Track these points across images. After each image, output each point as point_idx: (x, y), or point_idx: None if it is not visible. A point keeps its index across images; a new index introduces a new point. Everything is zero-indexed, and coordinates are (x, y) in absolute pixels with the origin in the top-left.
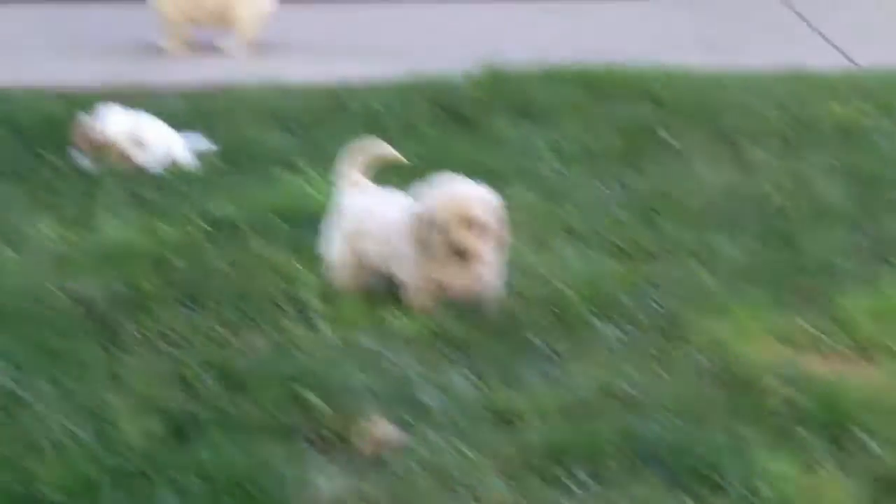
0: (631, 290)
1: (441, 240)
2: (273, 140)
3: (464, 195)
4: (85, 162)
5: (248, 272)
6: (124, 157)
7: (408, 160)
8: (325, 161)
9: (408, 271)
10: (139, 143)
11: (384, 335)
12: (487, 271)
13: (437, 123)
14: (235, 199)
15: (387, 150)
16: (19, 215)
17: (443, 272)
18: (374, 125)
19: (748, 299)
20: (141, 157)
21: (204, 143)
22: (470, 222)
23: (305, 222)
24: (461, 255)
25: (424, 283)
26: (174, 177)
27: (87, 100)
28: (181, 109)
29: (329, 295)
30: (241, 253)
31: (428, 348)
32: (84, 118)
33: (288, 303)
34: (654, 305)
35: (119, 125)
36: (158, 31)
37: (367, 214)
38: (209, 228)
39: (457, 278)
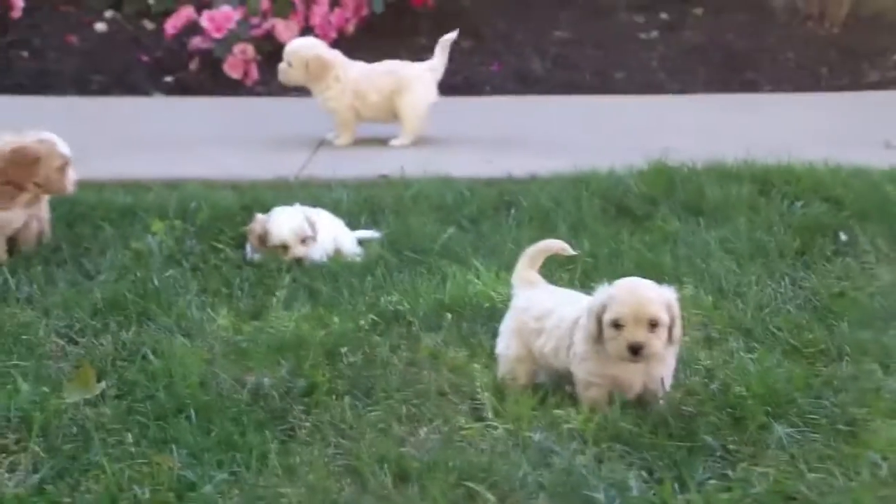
0: (806, 390)
1: (617, 337)
2: (441, 233)
3: (640, 292)
4: (257, 256)
5: (419, 365)
6: (294, 256)
7: (579, 257)
8: (493, 255)
9: (582, 368)
10: (309, 241)
11: (556, 431)
12: (661, 369)
13: (606, 220)
14: (404, 292)
15: (561, 247)
16: (193, 304)
17: (617, 369)
18: (544, 221)
19: None
20: (310, 254)
21: (372, 235)
22: (646, 320)
23: (475, 316)
24: (636, 352)
25: (599, 379)
26: (343, 269)
27: (258, 192)
28: (349, 201)
29: (501, 390)
30: (411, 346)
31: (600, 445)
32: (258, 219)
33: (458, 396)
34: (831, 406)
35: (290, 225)
36: (327, 125)
37: (543, 312)
38: (379, 321)
39: (631, 375)
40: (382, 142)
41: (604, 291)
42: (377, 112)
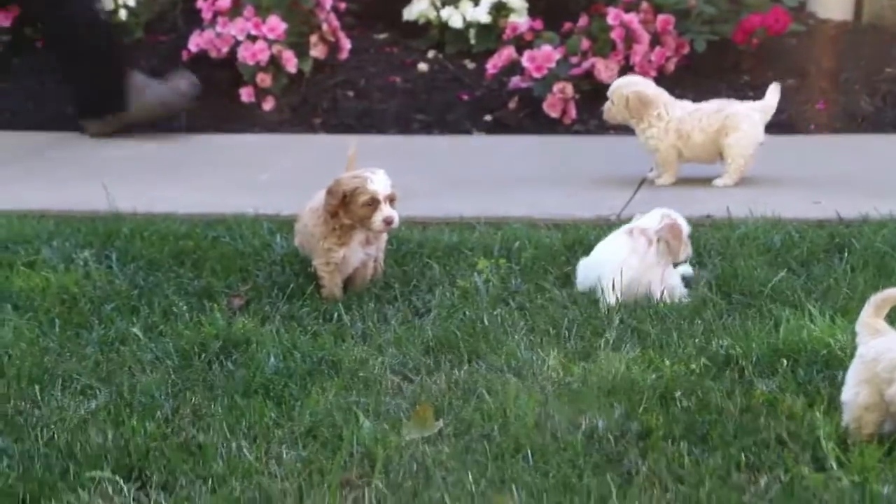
0: None
1: None
2: (770, 276)
3: None
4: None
5: (754, 412)
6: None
7: None
8: (827, 300)
9: None
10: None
11: None
12: None
13: None
14: (735, 336)
15: None
16: (522, 344)
17: None
18: (879, 265)
19: None
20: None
21: (688, 273)
22: None
23: (811, 363)
24: None
25: None
26: (671, 311)
27: (581, 231)
28: None
29: (843, 440)
30: (745, 392)
31: None
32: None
33: (799, 445)
34: None
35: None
36: (648, 164)
37: (893, 361)
38: (710, 365)
39: None
40: (706, 181)
41: None
42: (701, 152)
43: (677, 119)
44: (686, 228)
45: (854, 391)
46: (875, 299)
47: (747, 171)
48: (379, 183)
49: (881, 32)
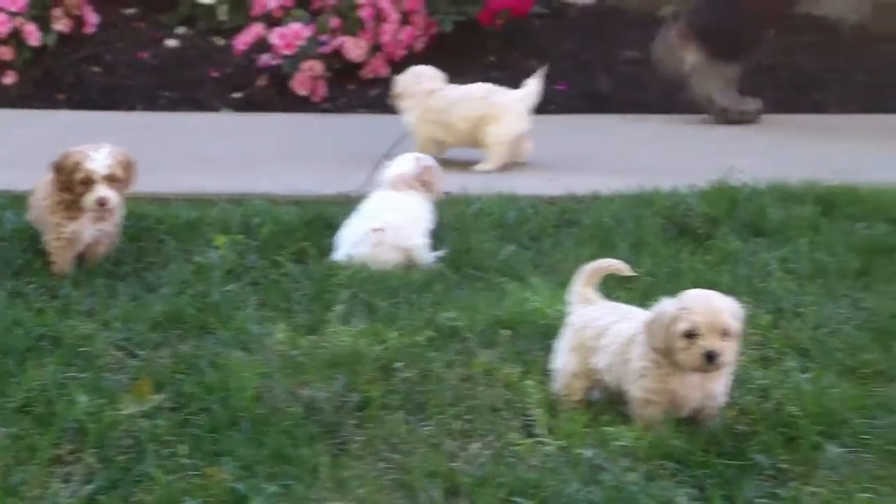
0: (861, 411)
1: (690, 347)
2: (501, 251)
3: (714, 302)
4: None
5: (473, 381)
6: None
7: (638, 276)
8: (552, 273)
9: (640, 385)
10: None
11: (606, 447)
12: (718, 385)
13: (667, 239)
14: (462, 308)
15: (618, 266)
16: (253, 319)
17: (676, 384)
18: (604, 240)
19: None
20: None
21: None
22: (721, 329)
23: (531, 334)
24: (712, 360)
25: (657, 396)
26: (403, 285)
27: (322, 207)
28: None
29: (553, 407)
30: (466, 362)
31: (650, 462)
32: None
33: (511, 413)
34: (885, 427)
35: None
36: (392, 142)
37: (600, 329)
38: (436, 337)
39: (689, 391)
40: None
41: (669, 304)
42: (463, 138)
43: (441, 107)
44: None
45: (563, 359)
46: (586, 270)
47: (508, 157)
48: (97, 161)
49: (621, 16)
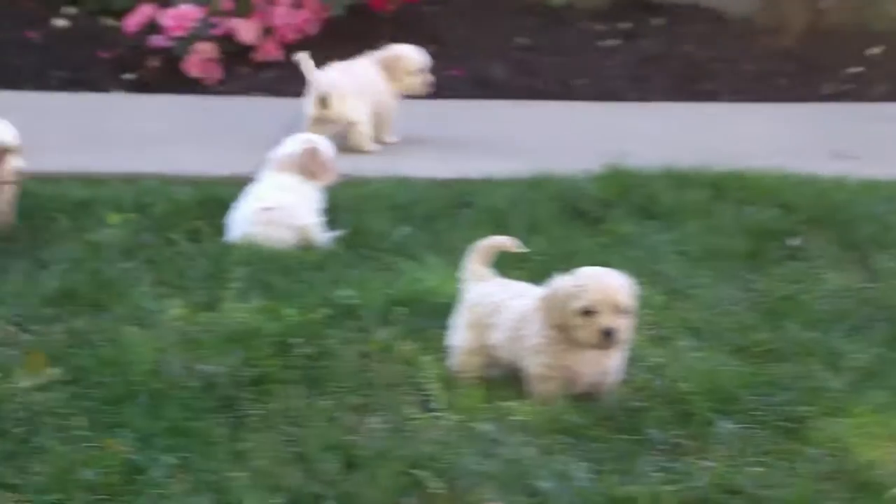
0: (752, 388)
1: (587, 324)
2: (395, 232)
3: (610, 280)
4: None
5: (369, 357)
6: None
7: (531, 257)
8: (446, 253)
9: (535, 360)
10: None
11: (503, 422)
12: (613, 362)
13: (561, 222)
14: (358, 287)
15: (510, 244)
16: (147, 296)
17: (571, 360)
18: (499, 221)
19: (873, 402)
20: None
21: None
22: (616, 306)
23: (425, 311)
24: (608, 337)
25: (552, 371)
26: (299, 264)
27: (216, 188)
28: None
29: (450, 382)
30: (362, 339)
31: (546, 436)
32: None
33: (408, 388)
34: (775, 403)
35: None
36: (285, 123)
37: (494, 306)
38: (333, 314)
39: (584, 367)
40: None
41: (565, 281)
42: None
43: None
44: (328, 152)
45: (460, 336)
46: (479, 247)
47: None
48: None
49: (511, 3)
